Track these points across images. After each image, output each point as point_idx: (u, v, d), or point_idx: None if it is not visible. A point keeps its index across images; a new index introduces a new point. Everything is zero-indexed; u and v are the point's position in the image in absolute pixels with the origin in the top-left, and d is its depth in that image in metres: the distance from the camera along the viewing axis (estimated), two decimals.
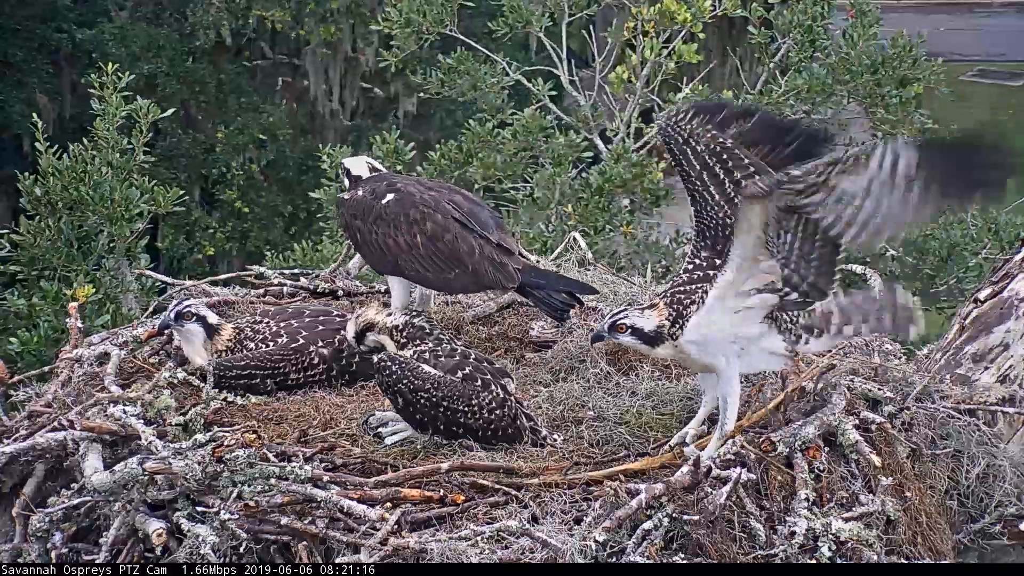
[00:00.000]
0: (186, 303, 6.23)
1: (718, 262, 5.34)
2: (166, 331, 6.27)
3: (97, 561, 5.12)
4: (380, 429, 5.65)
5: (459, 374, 5.54)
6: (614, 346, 6.05)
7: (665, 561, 4.89)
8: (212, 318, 6.24)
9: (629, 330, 5.39)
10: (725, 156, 5.51)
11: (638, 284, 7.34)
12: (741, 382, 5.47)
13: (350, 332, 5.80)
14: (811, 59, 12.25)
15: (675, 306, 5.36)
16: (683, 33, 12.40)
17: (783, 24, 12.37)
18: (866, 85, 11.94)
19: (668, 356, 5.54)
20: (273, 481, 5.01)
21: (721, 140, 5.55)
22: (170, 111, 9.72)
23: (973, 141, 5.03)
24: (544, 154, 11.75)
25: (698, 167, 5.51)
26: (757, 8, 12.38)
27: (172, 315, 6.18)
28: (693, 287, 5.37)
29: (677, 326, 5.34)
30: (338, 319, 6.30)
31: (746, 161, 5.50)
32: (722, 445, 5.31)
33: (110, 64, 9.00)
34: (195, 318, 6.18)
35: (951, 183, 4.87)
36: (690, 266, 5.45)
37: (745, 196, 5.17)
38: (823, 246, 5.15)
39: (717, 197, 5.47)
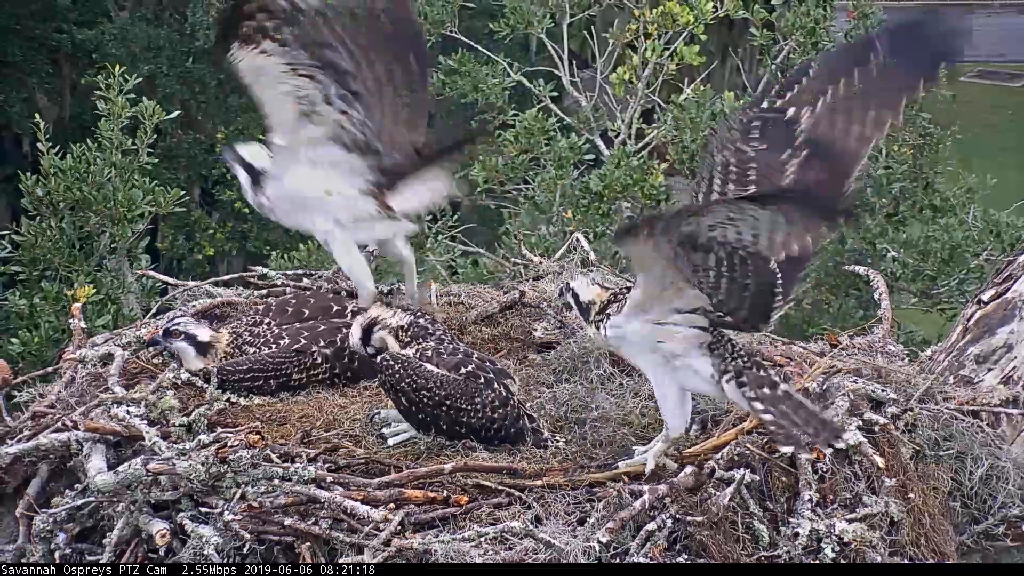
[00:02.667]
0: (175, 320, 6.23)
1: None
2: (154, 348, 6.26)
3: (101, 561, 5.11)
4: (383, 429, 5.65)
5: (462, 372, 5.54)
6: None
7: (669, 562, 4.89)
8: (203, 335, 6.20)
9: (571, 292, 5.50)
10: (731, 168, 5.30)
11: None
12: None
13: (356, 333, 5.79)
14: (814, 61, 12.24)
15: (609, 300, 5.38)
16: (684, 35, 12.41)
17: (785, 26, 12.37)
18: None
19: (598, 342, 5.56)
20: (276, 482, 5.02)
21: (738, 151, 5.32)
22: (175, 113, 9.73)
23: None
24: (545, 156, 11.75)
25: (705, 174, 5.37)
26: (759, 10, 12.38)
27: (160, 333, 6.19)
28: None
29: (601, 316, 5.36)
30: (338, 319, 6.29)
31: (751, 176, 5.25)
32: (661, 453, 5.26)
33: (116, 66, 9.01)
34: (183, 336, 6.17)
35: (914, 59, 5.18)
36: None
37: (615, 234, 5.02)
38: (756, 282, 4.95)
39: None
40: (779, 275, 4.96)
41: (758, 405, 5.05)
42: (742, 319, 5.09)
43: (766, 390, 5.07)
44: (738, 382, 5.10)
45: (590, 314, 5.43)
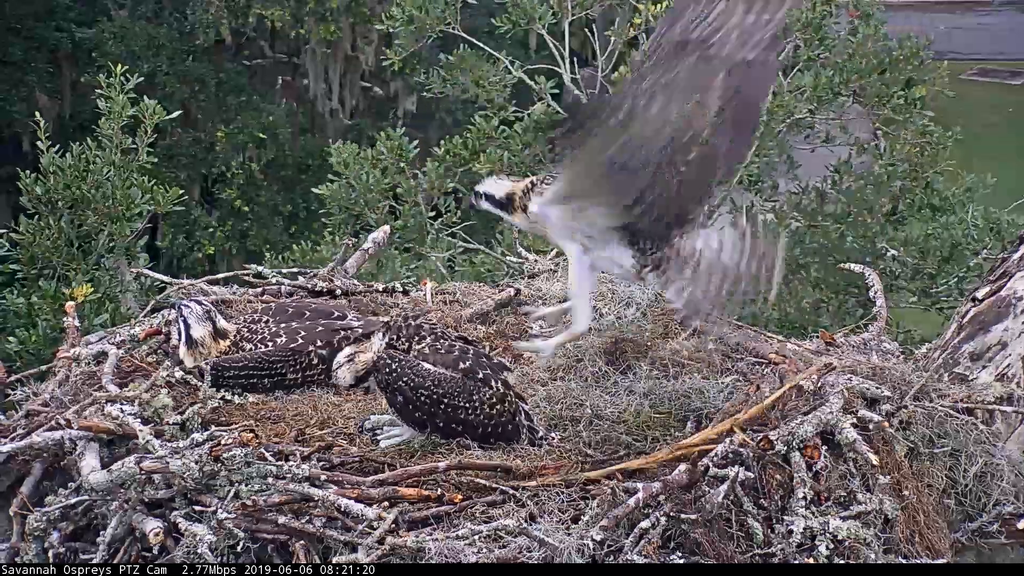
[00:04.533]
0: (189, 304, 6.23)
1: None
2: (171, 309, 6.31)
3: (94, 560, 5.10)
4: (376, 432, 5.63)
5: (459, 368, 5.51)
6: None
7: (663, 560, 4.88)
8: (196, 332, 6.21)
9: (483, 197, 6.04)
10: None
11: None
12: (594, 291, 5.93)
13: (348, 379, 5.67)
14: (818, 57, 12.24)
15: (534, 182, 5.89)
16: None
17: (791, 22, 12.34)
18: (873, 85, 11.91)
19: (524, 226, 6.01)
20: (270, 480, 5.01)
21: None
22: (176, 113, 9.73)
23: None
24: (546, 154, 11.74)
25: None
26: None
27: (178, 304, 6.26)
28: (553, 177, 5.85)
29: (527, 197, 5.84)
30: (338, 322, 6.28)
31: None
32: (564, 342, 5.63)
33: (118, 65, 9.02)
34: (182, 320, 6.19)
35: None
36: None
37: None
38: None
39: None
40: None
41: (687, 270, 5.63)
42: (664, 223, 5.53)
43: (685, 271, 5.63)
44: (659, 270, 5.68)
45: (513, 205, 5.90)
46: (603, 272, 5.86)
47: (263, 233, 20.08)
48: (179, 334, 6.20)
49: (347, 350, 5.64)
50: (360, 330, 5.98)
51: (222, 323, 6.28)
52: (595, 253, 5.73)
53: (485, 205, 6.08)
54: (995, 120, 27.79)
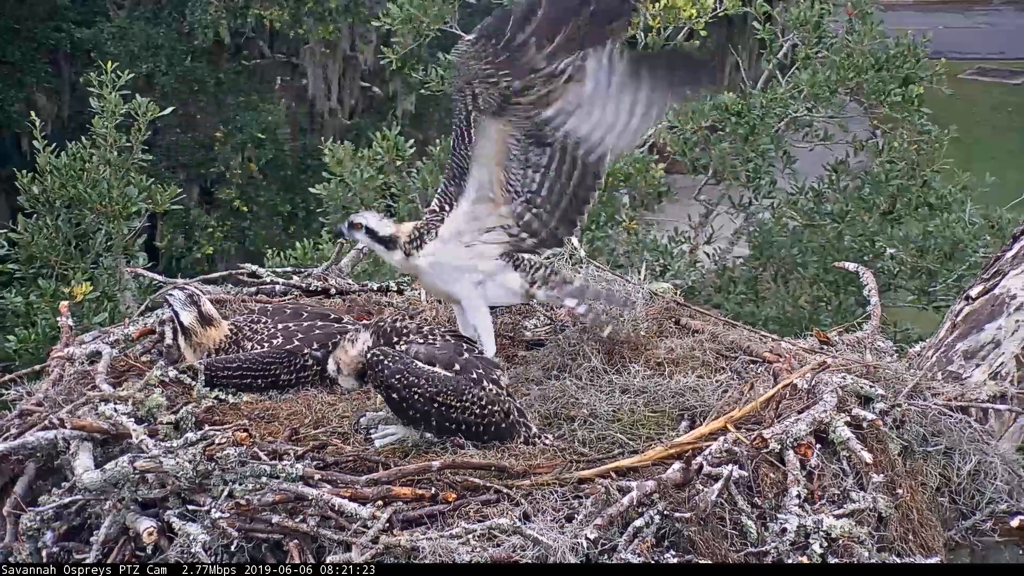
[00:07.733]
0: (173, 292, 6.23)
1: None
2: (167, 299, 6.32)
3: (88, 560, 5.09)
4: (370, 431, 5.63)
5: (453, 368, 5.51)
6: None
7: (656, 559, 4.87)
8: (186, 317, 6.20)
9: (363, 229, 6.07)
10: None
11: (634, 282, 7.30)
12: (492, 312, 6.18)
13: (350, 383, 5.74)
14: (816, 55, 12.23)
15: (420, 229, 6.00)
16: (684, 31, 12.40)
17: (790, 21, 12.35)
18: (871, 82, 11.91)
19: (403, 268, 6.22)
20: (264, 480, 5.00)
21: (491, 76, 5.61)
22: (169, 110, 9.72)
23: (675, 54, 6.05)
24: None
25: (462, 107, 5.90)
26: (762, 4, 12.37)
27: (171, 293, 6.27)
28: (440, 216, 6.02)
29: (414, 244, 5.96)
30: (336, 325, 6.28)
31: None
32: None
33: (109, 63, 9.01)
34: (172, 309, 6.21)
35: (660, 83, 5.52)
36: (440, 199, 6.08)
37: (481, 112, 5.58)
38: (573, 192, 5.80)
39: (468, 137, 5.91)
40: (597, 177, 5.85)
41: (570, 301, 6.14)
42: (552, 228, 5.91)
43: (568, 287, 6.12)
44: (547, 288, 6.09)
45: (397, 244, 6.00)
46: (492, 306, 6.24)
47: (262, 233, 20.07)
48: (175, 325, 6.21)
49: (331, 362, 5.70)
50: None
51: (207, 307, 6.25)
52: (487, 285, 6.08)
53: (364, 238, 6.12)
54: (994, 120, 27.79)
